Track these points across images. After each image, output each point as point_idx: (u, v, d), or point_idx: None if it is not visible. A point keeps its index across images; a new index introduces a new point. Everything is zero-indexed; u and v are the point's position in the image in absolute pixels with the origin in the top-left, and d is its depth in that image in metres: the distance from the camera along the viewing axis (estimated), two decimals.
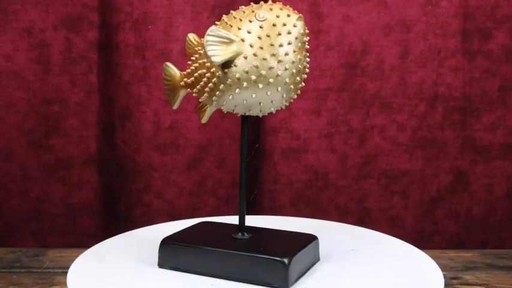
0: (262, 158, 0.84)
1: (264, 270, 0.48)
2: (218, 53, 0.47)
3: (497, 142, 0.85)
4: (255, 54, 0.48)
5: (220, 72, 0.49)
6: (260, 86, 0.48)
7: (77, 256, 0.56)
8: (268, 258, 0.48)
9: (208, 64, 0.50)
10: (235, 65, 0.48)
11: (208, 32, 0.47)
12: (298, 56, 0.49)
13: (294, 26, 0.48)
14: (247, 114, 0.52)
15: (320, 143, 0.84)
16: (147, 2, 0.80)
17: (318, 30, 0.81)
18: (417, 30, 0.82)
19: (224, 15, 0.51)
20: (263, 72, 0.48)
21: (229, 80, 0.48)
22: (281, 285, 0.48)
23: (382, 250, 0.58)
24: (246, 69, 0.48)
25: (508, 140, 0.85)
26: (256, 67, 0.48)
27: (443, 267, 0.72)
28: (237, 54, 0.48)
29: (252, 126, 0.85)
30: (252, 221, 0.60)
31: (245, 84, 0.48)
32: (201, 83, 0.51)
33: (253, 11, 0.49)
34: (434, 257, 0.58)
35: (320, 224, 0.67)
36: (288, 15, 0.49)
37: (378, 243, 0.61)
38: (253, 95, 0.49)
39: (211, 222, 0.60)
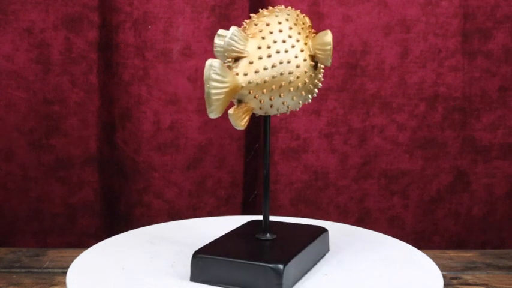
0: (262, 158, 0.84)
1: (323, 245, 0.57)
2: None
3: (497, 142, 0.85)
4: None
5: (311, 73, 0.50)
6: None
7: (77, 256, 0.56)
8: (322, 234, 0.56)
9: (299, 62, 0.49)
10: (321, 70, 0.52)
11: (330, 34, 0.50)
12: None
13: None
14: (264, 114, 0.52)
15: (320, 143, 0.84)
16: (147, 2, 0.80)
17: (318, 30, 0.81)
18: (417, 30, 0.82)
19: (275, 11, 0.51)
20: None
21: (311, 86, 0.51)
22: (328, 249, 0.58)
23: (381, 250, 0.58)
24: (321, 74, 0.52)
25: (508, 140, 0.85)
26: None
27: (443, 267, 0.72)
28: None
29: (252, 126, 0.85)
30: None
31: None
32: (283, 83, 0.49)
33: (298, 16, 0.52)
34: (434, 257, 0.58)
35: (320, 224, 0.66)
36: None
37: (377, 243, 0.61)
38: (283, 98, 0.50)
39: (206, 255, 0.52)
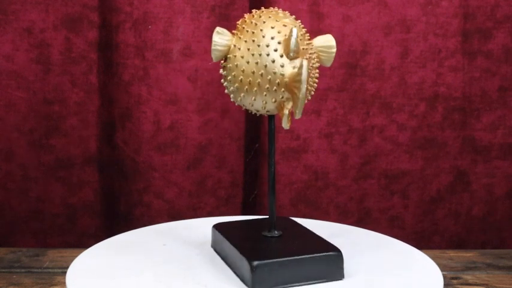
0: (262, 158, 0.84)
1: None
2: None
3: (497, 142, 0.85)
4: None
5: (318, 74, 0.52)
6: None
7: (77, 256, 0.56)
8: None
9: (316, 64, 0.51)
10: None
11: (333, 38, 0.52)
12: None
13: None
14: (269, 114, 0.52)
15: (320, 143, 0.84)
16: (147, 2, 0.80)
17: (318, 30, 0.81)
18: (417, 30, 0.82)
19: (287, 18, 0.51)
20: None
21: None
22: None
23: (381, 250, 0.58)
24: None
25: (508, 140, 0.85)
26: None
27: (443, 267, 0.72)
28: None
29: (252, 126, 0.85)
30: None
31: None
32: (311, 82, 0.51)
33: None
34: (434, 257, 0.58)
35: (320, 224, 0.67)
36: None
37: (377, 243, 0.61)
38: None
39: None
